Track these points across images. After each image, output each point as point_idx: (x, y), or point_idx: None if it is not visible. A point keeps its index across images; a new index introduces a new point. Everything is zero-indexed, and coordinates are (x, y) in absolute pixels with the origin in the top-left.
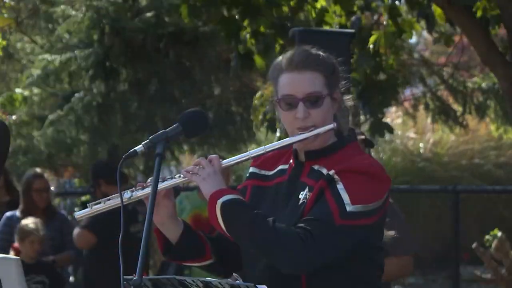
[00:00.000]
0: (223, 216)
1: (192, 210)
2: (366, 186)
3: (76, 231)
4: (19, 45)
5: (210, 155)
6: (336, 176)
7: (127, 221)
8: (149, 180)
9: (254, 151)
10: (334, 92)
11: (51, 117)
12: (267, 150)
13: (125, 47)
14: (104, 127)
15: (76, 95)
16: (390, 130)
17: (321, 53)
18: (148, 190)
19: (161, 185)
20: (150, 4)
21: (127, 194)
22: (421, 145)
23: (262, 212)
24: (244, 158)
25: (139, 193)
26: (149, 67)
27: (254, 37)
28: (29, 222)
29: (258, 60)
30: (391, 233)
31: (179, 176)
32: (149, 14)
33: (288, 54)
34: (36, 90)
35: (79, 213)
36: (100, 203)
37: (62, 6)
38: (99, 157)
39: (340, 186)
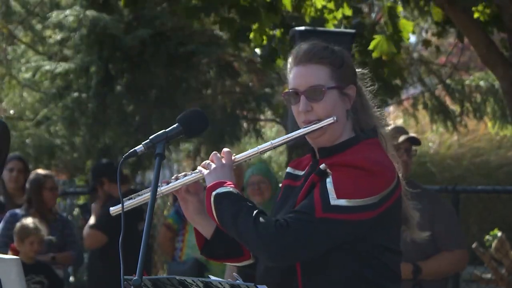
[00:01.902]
0: (214, 208)
1: None
2: (356, 180)
3: (86, 231)
4: (9, 49)
5: (224, 149)
6: (328, 170)
7: (135, 220)
8: (173, 177)
9: (262, 146)
10: (346, 87)
11: (42, 114)
12: (274, 144)
13: (123, 57)
14: (99, 128)
15: (72, 94)
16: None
17: (329, 46)
18: (173, 184)
19: (179, 182)
20: (148, 16)
21: None
22: (430, 144)
23: (249, 205)
24: (254, 153)
25: (164, 189)
26: (147, 73)
27: (257, 40)
28: (29, 222)
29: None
30: (424, 234)
31: (196, 172)
32: (146, 32)
33: (296, 48)
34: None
35: (113, 209)
36: (131, 198)
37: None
38: (93, 157)
39: (329, 180)
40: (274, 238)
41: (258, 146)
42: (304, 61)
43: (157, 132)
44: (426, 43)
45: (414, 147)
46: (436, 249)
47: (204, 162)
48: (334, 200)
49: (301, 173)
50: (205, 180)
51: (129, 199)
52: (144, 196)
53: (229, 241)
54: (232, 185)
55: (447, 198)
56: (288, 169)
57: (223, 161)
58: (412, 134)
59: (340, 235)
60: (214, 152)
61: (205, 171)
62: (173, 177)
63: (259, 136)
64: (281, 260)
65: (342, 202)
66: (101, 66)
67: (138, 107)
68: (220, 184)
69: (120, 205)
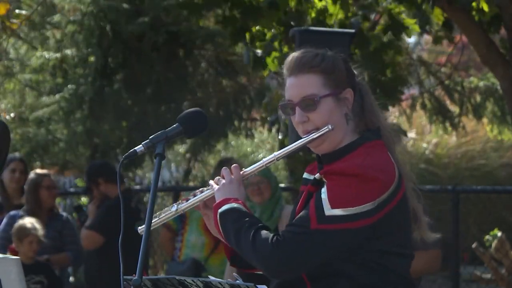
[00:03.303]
0: (220, 225)
1: None
2: (350, 188)
3: (84, 231)
4: (11, 50)
5: (233, 165)
6: (323, 179)
7: (131, 220)
8: (191, 194)
9: (267, 159)
10: (342, 91)
11: (39, 112)
12: (277, 156)
13: (123, 48)
14: (94, 123)
15: (69, 86)
16: (404, 133)
17: (319, 53)
18: (192, 201)
19: (196, 198)
20: (148, 6)
21: (173, 208)
22: (424, 145)
23: (250, 221)
24: (260, 166)
25: (183, 206)
26: (145, 68)
27: (258, 38)
28: (27, 222)
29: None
30: (434, 235)
31: (208, 190)
32: (146, 19)
33: (288, 58)
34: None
35: (140, 228)
36: (156, 217)
37: (58, 16)
38: (87, 152)
39: (323, 190)
40: (271, 254)
41: (263, 159)
42: (296, 72)
43: (152, 128)
44: (437, 39)
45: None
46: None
47: (216, 178)
48: (328, 211)
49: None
50: (215, 196)
51: (154, 218)
52: (168, 213)
53: None
54: (237, 201)
55: (447, 198)
56: (305, 175)
57: (232, 176)
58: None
59: (337, 245)
60: (224, 167)
61: (216, 187)
62: (191, 194)
63: (249, 135)
64: (279, 274)
65: (337, 212)
66: (100, 56)
67: (135, 102)
68: (226, 201)
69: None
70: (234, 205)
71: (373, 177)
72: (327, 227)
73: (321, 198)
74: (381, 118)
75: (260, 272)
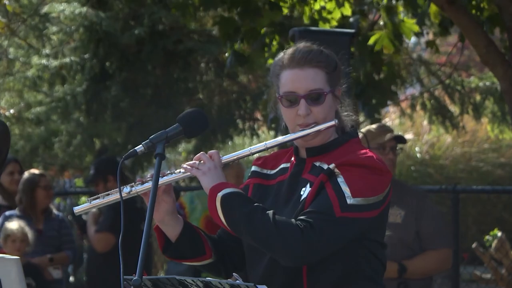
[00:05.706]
0: (222, 209)
1: (204, 211)
2: (366, 179)
3: (95, 235)
4: (11, 49)
5: (210, 151)
6: (336, 170)
7: (138, 219)
8: (148, 176)
9: (255, 146)
10: (336, 89)
11: (37, 109)
12: (268, 146)
13: (120, 56)
14: (93, 124)
15: (66, 86)
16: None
17: (324, 50)
18: (147, 185)
19: (161, 180)
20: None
21: (126, 189)
22: (417, 149)
23: (261, 205)
24: (244, 154)
25: (139, 188)
26: (143, 71)
27: (251, 35)
28: (12, 223)
29: (257, 60)
30: (388, 233)
31: (179, 172)
32: (142, 30)
33: (290, 50)
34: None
35: (77, 208)
36: (99, 197)
37: (54, 14)
38: (88, 153)
39: (340, 179)
40: (301, 239)
41: (250, 147)
42: (301, 64)
43: (151, 131)
44: (429, 44)
45: (399, 146)
46: (421, 248)
47: (191, 162)
48: (350, 199)
49: (271, 172)
50: (200, 180)
51: (96, 198)
52: (114, 196)
53: (193, 241)
54: (235, 187)
55: (447, 198)
56: (254, 168)
57: (213, 161)
58: (397, 133)
59: (354, 232)
60: (202, 152)
61: (197, 171)
62: (147, 177)
63: (255, 135)
64: (305, 259)
65: (358, 200)
66: (96, 63)
67: (133, 105)
68: (223, 185)
69: (84, 205)
70: (236, 190)
71: (383, 170)
72: (350, 215)
73: (340, 187)
74: (353, 119)
75: (198, 263)
